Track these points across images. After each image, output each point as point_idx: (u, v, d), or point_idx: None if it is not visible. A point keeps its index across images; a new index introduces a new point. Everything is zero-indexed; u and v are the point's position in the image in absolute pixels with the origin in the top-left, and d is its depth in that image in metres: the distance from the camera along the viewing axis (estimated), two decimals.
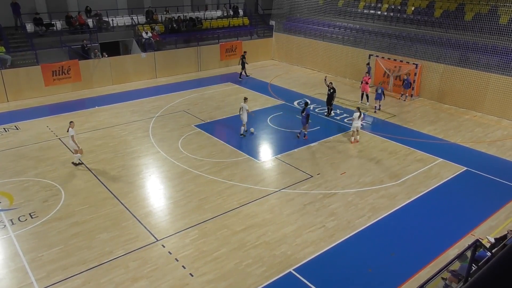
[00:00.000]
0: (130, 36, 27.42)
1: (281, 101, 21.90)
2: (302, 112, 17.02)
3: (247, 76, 26.80)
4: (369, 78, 21.53)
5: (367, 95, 21.76)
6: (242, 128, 17.53)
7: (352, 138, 17.08)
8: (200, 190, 13.34)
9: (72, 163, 14.96)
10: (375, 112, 20.46)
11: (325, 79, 20.42)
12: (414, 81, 22.57)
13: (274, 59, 32.07)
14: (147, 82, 25.65)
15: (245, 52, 27.30)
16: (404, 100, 22.41)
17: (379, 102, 20.56)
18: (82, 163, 14.98)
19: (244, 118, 17.33)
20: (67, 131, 14.83)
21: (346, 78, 26.68)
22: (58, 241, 10.84)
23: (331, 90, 19.36)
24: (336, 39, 28.14)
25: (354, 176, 14.34)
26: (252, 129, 17.93)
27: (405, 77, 22.32)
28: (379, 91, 20.12)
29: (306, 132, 17.31)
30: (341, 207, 12.51)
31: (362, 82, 21.67)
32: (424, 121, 19.61)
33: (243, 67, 26.35)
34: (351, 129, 17.14)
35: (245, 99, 17.69)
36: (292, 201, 12.81)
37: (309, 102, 18.49)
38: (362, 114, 17.13)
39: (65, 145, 16.40)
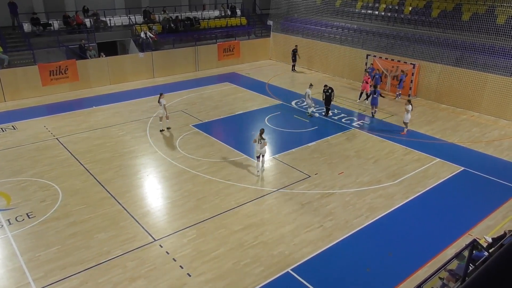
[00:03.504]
0: (128, 36, 27.40)
1: (279, 101, 21.91)
2: (374, 94, 19.36)
3: (293, 70, 28.51)
4: (368, 78, 21.59)
5: (366, 93, 21.81)
6: (312, 109, 19.76)
7: (405, 130, 18.00)
8: (198, 190, 13.33)
9: (161, 130, 17.81)
10: (372, 116, 20.04)
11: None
12: (411, 81, 22.62)
13: (272, 59, 32.08)
14: (145, 82, 25.62)
15: (296, 45, 28.41)
16: (395, 99, 22.43)
17: (375, 108, 19.80)
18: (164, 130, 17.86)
19: (309, 102, 19.47)
20: (158, 101, 17.45)
21: (344, 78, 26.71)
22: (55, 241, 10.82)
23: (329, 91, 19.40)
24: (333, 39, 28.17)
25: (352, 176, 14.36)
26: (317, 114, 19.83)
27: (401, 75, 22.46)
28: (376, 94, 19.46)
29: (375, 110, 19.76)
30: (339, 207, 12.53)
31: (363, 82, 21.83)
32: (421, 121, 19.65)
33: (295, 60, 28.10)
34: (404, 120, 17.87)
35: (311, 85, 19.75)
36: (290, 201, 12.82)
37: (377, 85, 20.58)
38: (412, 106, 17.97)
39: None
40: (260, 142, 13.93)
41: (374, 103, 19.76)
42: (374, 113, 19.94)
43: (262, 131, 14.06)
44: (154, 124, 18.78)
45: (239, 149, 16.24)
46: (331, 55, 27.61)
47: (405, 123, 17.99)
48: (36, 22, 24.41)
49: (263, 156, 14.21)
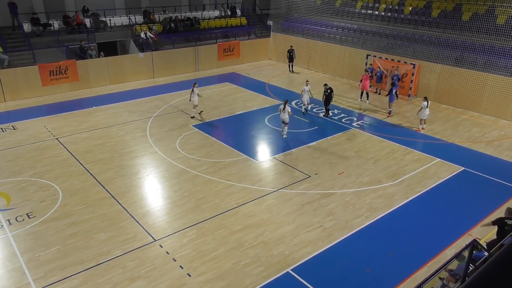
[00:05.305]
0: (128, 36, 27.40)
1: (279, 101, 21.89)
2: (391, 92, 19.61)
3: (292, 71, 28.64)
4: (369, 76, 21.56)
5: (367, 93, 21.80)
6: (303, 106, 20.17)
7: (420, 127, 18.33)
8: (198, 190, 13.33)
9: (192, 117, 19.43)
10: (388, 115, 20.13)
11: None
12: (411, 81, 22.61)
13: (272, 59, 32.09)
14: (145, 82, 25.62)
15: (291, 46, 28.50)
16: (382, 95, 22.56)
17: (393, 106, 20.15)
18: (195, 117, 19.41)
19: (306, 98, 19.84)
20: (192, 90, 18.98)
21: (344, 78, 26.71)
22: (55, 241, 10.82)
23: (328, 91, 19.38)
24: (333, 39, 28.17)
25: (352, 176, 14.36)
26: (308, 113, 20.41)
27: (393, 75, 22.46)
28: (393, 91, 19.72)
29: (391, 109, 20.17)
30: (338, 207, 12.53)
31: (361, 80, 21.75)
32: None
33: (291, 61, 28.29)
34: (422, 117, 18.09)
35: (307, 82, 20.16)
36: (290, 201, 12.81)
37: (395, 82, 20.81)
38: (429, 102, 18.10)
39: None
40: (284, 111, 16.52)
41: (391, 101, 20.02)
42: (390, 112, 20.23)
43: (286, 101, 16.86)
44: (154, 124, 18.78)
45: (239, 149, 16.24)
46: (331, 55, 27.61)
47: (422, 120, 18.19)
48: (36, 22, 24.41)
49: (286, 124, 16.90)
